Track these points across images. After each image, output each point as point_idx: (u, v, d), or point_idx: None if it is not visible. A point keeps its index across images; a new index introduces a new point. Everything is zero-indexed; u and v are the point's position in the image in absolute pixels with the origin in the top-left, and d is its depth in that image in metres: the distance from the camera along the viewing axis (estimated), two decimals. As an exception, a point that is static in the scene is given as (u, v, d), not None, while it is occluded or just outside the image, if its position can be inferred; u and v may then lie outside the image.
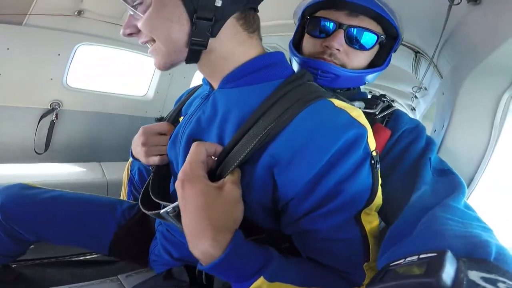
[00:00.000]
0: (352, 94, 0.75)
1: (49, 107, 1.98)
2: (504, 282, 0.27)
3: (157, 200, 0.58)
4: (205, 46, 0.50)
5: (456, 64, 1.04)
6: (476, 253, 0.33)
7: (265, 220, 0.52)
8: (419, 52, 1.47)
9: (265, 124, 0.45)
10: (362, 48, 0.68)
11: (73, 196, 0.83)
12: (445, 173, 0.51)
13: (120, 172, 1.17)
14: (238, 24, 0.53)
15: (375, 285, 0.33)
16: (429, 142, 0.61)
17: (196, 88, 0.74)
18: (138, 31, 0.52)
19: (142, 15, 0.49)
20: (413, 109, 2.78)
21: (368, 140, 0.46)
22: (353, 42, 0.68)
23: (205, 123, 0.55)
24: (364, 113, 0.54)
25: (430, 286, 0.27)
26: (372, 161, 0.46)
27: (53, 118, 1.97)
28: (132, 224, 0.80)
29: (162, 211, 0.49)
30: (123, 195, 1.04)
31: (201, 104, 0.59)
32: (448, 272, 0.28)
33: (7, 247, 0.78)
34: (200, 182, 0.43)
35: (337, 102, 0.48)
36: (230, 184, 0.44)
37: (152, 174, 0.67)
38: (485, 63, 0.77)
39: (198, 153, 0.46)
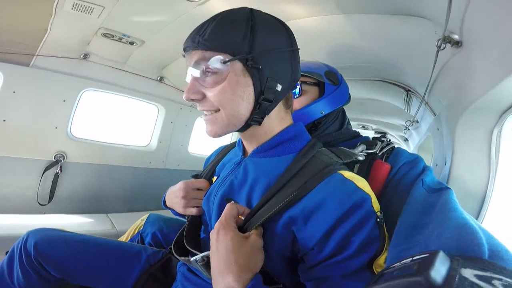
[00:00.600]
0: (354, 139, 0.88)
1: (53, 159, 1.95)
2: (500, 280, 0.27)
3: (189, 248, 0.67)
4: (260, 123, 0.60)
5: (449, 103, 1.15)
6: (471, 251, 0.34)
7: (283, 270, 0.59)
8: (410, 91, 1.58)
9: (286, 195, 0.54)
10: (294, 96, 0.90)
11: (102, 241, 0.91)
12: (440, 190, 0.54)
13: (129, 223, 1.22)
14: (282, 103, 0.64)
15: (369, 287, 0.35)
16: (425, 168, 0.66)
17: (226, 150, 0.83)
18: (202, 98, 0.58)
19: (213, 85, 0.56)
20: (406, 140, 2.90)
21: (373, 204, 0.53)
22: None
23: (237, 186, 0.64)
24: (367, 153, 0.71)
25: (419, 285, 0.27)
26: (378, 219, 0.52)
27: (57, 171, 1.94)
28: (155, 270, 0.87)
29: (192, 258, 0.60)
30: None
31: (234, 169, 0.68)
32: (438, 270, 0.28)
33: (32, 282, 0.83)
34: (232, 230, 0.53)
35: (347, 174, 0.56)
36: (254, 235, 0.54)
37: (187, 222, 0.77)
38: (476, 104, 0.84)
39: (231, 210, 0.56)
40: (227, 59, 0.54)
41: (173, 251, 0.72)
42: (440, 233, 0.40)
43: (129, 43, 1.80)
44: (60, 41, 1.71)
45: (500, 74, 0.69)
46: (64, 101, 1.92)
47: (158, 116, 2.39)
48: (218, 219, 0.59)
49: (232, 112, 0.57)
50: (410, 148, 2.86)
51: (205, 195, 0.73)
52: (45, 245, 0.82)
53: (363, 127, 3.26)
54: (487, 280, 0.27)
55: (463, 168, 0.94)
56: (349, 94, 0.99)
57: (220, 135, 0.61)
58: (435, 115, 1.42)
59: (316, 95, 0.92)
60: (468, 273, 0.28)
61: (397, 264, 0.35)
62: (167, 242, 1.00)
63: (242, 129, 0.61)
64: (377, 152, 0.73)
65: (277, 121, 0.63)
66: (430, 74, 1.13)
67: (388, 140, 0.79)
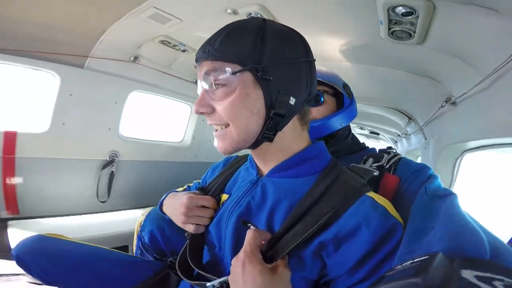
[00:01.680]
0: (361, 151, 0.89)
1: (108, 159, 2.07)
2: (501, 280, 0.27)
3: (196, 269, 0.63)
4: (272, 139, 0.56)
5: (438, 138, 1.74)
6: (472, 252, 0.34)
7: None
8: (411, 118, 2.01)
9: (315, 220, 0.50)
10: (316, 104, 0.88)
11: (97, 250, 0.83)
12: (445, 196, 0.53)
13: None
14: (297, 118, 0.59)
15: None
16: (431, 176, 0.65)
17: (236, 163, 0.78)
18: (212, 112, 0.55)
19: (222, 97, 0.53)
20: (396, 142, 3.41)
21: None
22: None
23: (255, 208, 0.60)
24: (375, 167, 0.70)
25: (417, 286, 0.28)
26: None
27: (113, 169, 2.08)
28: (152, 283, 0.80)
29: (209, 284, 0.56)
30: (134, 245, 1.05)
31: (250, 189, 0.63)
32: (437, 271, 0.28)
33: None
34: (259, 263, 0.48)
35: (376, 197, 0.53)
36: (283, 267, 0.49)
37: (188, 241, 0.71)
38: (452, 145, 1.36)
39: (255, 239, 0.50)
40: (236, 70, 0.52)
41: (179, 273, 0.67)
42: (442, 235, 0.40)
43: (182, 50, 1.91)
44: (115, 44, 1.77)
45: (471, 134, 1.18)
46: (116, 103, 2.02)
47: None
48: (233, 242, 0.58)
49: (241, 127, 0.54)
50: (398, 149, 3.45)
51: (214, 216, 0.69)
52: (30, 260, 0.74)
53: (361, 128, 3.69)
54: (488, 281, 0.27)
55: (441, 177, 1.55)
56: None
57: (231, 152, 0.58)
58: (425, 139, 1.98)
59: (334, 106, 0.92)
60: (468, 274, 0.28)
61: (398, 266, 0.35)
62: (167, 246, 0.91)
63: (253, 146, 0.58)
64: (384, 164, 0.73)
65: (292, 137, 0.59)
66: (430, 117, 1.67)
67: (394, 151, 0.80)
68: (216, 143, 0.59)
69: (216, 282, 0.55)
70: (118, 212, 2.16)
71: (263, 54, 0.52)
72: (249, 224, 0.58)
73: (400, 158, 0.76)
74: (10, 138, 1.69)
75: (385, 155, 0.75)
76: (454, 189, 1.54)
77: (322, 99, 0.89)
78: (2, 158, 1.69)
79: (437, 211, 0.47)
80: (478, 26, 0.93)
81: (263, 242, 0.53)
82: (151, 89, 2.19)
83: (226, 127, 0.55)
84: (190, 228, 0.70)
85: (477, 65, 1.09)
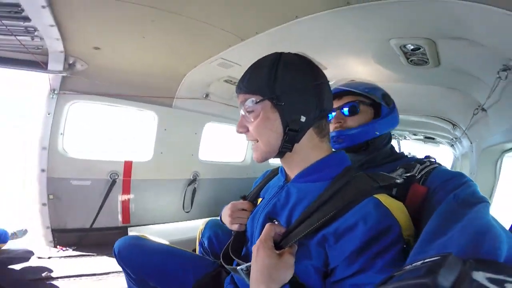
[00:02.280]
0: (398, 160, 0.92)
1: (191, 178, 2.64)
2: None
3: (235, 258, 0.77)
4: (291, 149, 0.68)
5: (479, 142, 1.95)
6: (487, 254, 0.34)
7: (317, 282, 0.61)
8: (455, 125, 2.19)
9: (321, 216, 0.59)
10: (352, 114, 0.95)
11: (170, 249, 1.07)
12: (476, 203, 0.53)
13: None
14: (314, 131, 0.69)
15: None
16: (465, 183, 0.66)
17: (270, 175, 0.93)
18: (247, 131, 0.71)
19: (252, 120, 0.68)
20: (452, 145, 3.49)
21: (403, 231, 0.55)
22: (345, 113, 0.96)
23: (279, 207, 0.71)
24: (406, 177, 0.74)
25: (425, 286, 0.28)
26: (405, 246, 0.54)
27: (195, 186, 2.65)
28: (208, 279, 0.96)
29: (238, 267, 0.68)
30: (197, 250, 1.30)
31: (277, 192, 0.75)
32: (447, 273, 0.28)
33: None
34: (269, 249, 0.59)
35: (383, 198, 0.58)
36: (288, 254, 0.59)
37: (232, 237, 0.86)
38: (495, 148, 1.60)
39: (270, 231, 0.62)
40: (257, 100, 0.66)
41: (221, 260, 0.82)
42: (458, 237, 0.40)
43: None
44: (192, 85, 2.33)
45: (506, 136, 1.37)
46: (196, 133, 2.61)
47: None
48: (261, 231, 0.66)
49: (266, 142, 0.68)
50: (456, 152, 3.53)
51: (250, 215, 0.83)
52: (125, 252, 1.02)
53: (414, 134, 3.70)
54: (500, 283, 0.27)
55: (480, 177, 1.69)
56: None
57: (261, 160, 0.72)
58: (471, 143, 2.24)
59: (371, 115, 0.96)
60: (480, 276, 0.28)
61: (408, 266, 0.35)
62: (221, 247, 1.04)
63: (278, 156, 0.71)
64: (416, 174, 0.75)
65: (309, 148, 0.69)
66: (469, 123, 1.92)
67: (432, 161, 0.81)
68: (253, 153, 0.74)
69: (243, 266, 0.68)
70: (198, 220, 2.65)
71: (275, 85, 0.65)
72: (274, 220, 0.70)
73: (435, 168, 0.78)
74: (128, 165, 2.31)
75: (418, 165, 0.79)
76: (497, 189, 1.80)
77: (358, 109, 0.95)
78: (122, 180, 2.32)
79: (462, 216, 0.48)
80: (471, 54, 1.18)
81: (278, 234, 0.63)
82: (220, 120, 2.74)
83: (257, 142, 0.70)
84: (235, 227, 0.85)
85: (486, 80, 1.32)
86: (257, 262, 0.59)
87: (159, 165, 2.45)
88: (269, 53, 0.72)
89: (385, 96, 0.98)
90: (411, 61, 1.43)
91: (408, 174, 0.75)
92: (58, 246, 2.07)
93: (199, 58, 1.90)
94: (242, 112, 0.70)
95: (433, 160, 0.83)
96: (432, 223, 0.51)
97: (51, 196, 2.02)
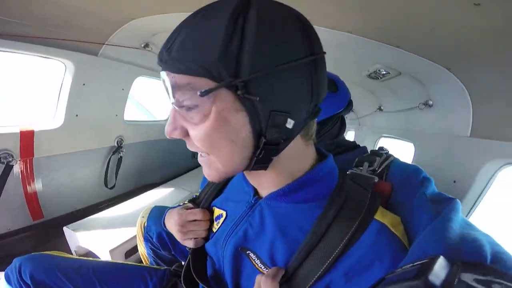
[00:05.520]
0: (353, 150, 0.85)
1: (115, 145, 2.05)
2: (500, 284, 0.27)
3: (201, 283, 0.59)
4: (266, 168, 0.45)
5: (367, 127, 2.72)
6: (472, 256, 0.33)
7: None
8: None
9: (327, 254, 0.43)
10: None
11: (101, 265, 0.82)
12: (444, 201, 0.48)
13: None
14: (299, 136, 0.46)
15: None
16: (424, 179, 0.58)
17: (229, 179, 0.68)
18: (186, 135, 0.42)
19: (195, 121, 0.39)
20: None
21: None
22: None
23: (253, 236, 0.52)
24: (370, 171, 0.62)
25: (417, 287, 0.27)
26: None
27: (121, 154, 2.10)
28: None
29: None
30: (141, 246, 1.01)
31: (246, 214, 0.54)
32: (437, 274, 0.29)
33: None
34: None
35: (386, 220, 0.45)
36: None
37: (190, 255, 0.66)
38: None
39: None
40: (204, 89, 0.35)
41: (183, 283, 0.65)
42: (440, 239, 0.38)
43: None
44: (133, 32, 1.66)
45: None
46: (123, 89, 1.96)
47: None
48: (232, 272, 0.54)
49: (224, 160, 0.42)
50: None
51: (210, 235, 0.64)
52: (41, 275, 0.75)
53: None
54: (487, 284, 0.27)
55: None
56: (350, 102, 0.92)
57: (219, 180, 0.47)
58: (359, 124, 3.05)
59: None
60: (468, 278, 0.28)
61: (398, 270, 0.34)
62: (174, 246, 0.87)
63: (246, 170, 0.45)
64: (377, 168, 0.68)
65: (291, 158, 0.47)
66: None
67: (386, 153, 0.75)
68: (203, 168, 0.47)
69: None
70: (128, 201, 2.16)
71: (242, 61, 0.35)
72: (248, 252, 0.52)
73: (391, 162, 0.71)
74: (28, 137, 1.51)
75: (378, 159, 0.70)
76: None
77: None
78: (21, 162, 1.51)
79: (436, 216, 0.43)
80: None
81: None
82: (153, 74, 2.13)
83: (208, 154, 0.43)
84: (189, 244, 0.65)
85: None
86: None
87: (74, 132, 1.73)
88: None
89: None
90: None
91: (371, 169, 0.67)
92: None
93: (161, 9, 1.38)
94: (173, 104, 0.40)
95: (387, 151, 0.78)
96: (411, 226, 0.47)
97: None
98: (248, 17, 0.35)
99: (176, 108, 0.39)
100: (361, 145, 0.84)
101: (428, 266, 0.30)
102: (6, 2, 1.11)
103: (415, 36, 0.93)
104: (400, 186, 0.60)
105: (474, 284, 0.27)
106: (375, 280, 0.40)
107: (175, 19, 1.34)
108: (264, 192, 0.53)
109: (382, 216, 0.46)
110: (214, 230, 0.63)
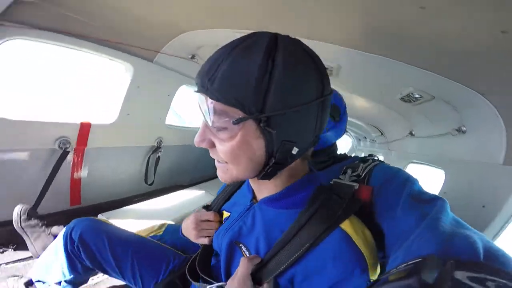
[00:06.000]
0: (343, 161, 0.89)
1: (155, 145, 2.23)
2: (493, 281, 0.27)
3: (203, 275, 0.70)
4: (270, 179, 0.56)
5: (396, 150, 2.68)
6: (465, 254, 0.34)
7: None
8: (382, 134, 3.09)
9: (292, 251, 0.52)
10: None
11: (139, 239, 0.94)
12: (431, 200, 0.51)
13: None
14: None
15: None
16: (407, 180, 0.61)
17: (237, 187, 0.80)
18: (212, 147, 0.52)
19: (223, 140, 0.49)
20: (359, 140, 4.44)
21: (368, 264, 0.50)
22: None
23: (245, 232, 0.63)
24: (354, 176, 0.70)
25: (411, 287, 0.29)
26: (368, 282, 0.49)
27: (160, 154, 2.28)
28: (177, 276, 0.87)
29: (208, 286, 0.65)
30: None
31: (243, 214, 0.66)
32: (430, 272, 0.29)
33: (77, 270, 0.92)
34: None
35: (349, 229, 0.51)
36: None
37: (200, 250, 0.79)
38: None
39: (248, 268, 0.55)
40: (237, 118, 0.46)
41: (187, 275, 0.74)
42: (432, 238, 0.39)
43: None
44: (182, 43, 1.85)
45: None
46: (168, 95, 2.15)
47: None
48: (226, 258, 0.65)
49: (240, 170, 0.52)
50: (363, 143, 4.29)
51: (216, 232, 0.75)
52: (89, 235, 0.87)
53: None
54: (481, 281, 0.27)
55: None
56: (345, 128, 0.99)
57: (230, 183, 0.63)
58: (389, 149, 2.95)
59: None
60: (461, 275, 0.28)
61: (392, 270, 0.36)
62: (183, 248, 0.99)
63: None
64: (360, 174, 0.72)
65: (288, 173, 0.58)
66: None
67: (374, 159, 0.79)
68: (217, 171, 0.57)
69: (214, 286, 0.64)
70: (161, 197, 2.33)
71: (268, 100, 0.45)
72: (240, 244, 0.63)
73: (376, 165, 0.74)
74: (85, 129, 1.71)
75: (361, 165, 0.74)
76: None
77: None
78: (75, 150, 1.72)
79: (425, 216, 0.46)
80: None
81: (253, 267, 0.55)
82: (194, 84, 2.37)
83: (226, 163, 0.53)
84: (203, 240, 0.78)
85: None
86: None
87: (124, 129, 1.91)
88: (258, 31, 0.49)
89: (334, 107, 0.93)
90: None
91: (355, 174, 0.72)
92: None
93: (208, 24, 1.53)
94: (206, 120, 0.49)
95: (375, 158, 0.81)
96: (398, 226, 0.50)
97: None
98: (276, 62, 0.45)
99: (209, 124, 0.49)
100: None
101: (422, 265, 0.31)
102: (82, 4, 1.31)
103: (448, 60, 0.96)
104: (381, 188, 0.63)
105: (468, 282, 0.28)
106: (327, 282, 0.49)
107: (219, 34, 1.56)
108: (260, 196, 0.64)
109: (348, 225, 0.53)
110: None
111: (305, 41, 0.52)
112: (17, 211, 1.31)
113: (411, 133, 2.32)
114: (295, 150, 0.50)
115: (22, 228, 1.30)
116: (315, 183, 0.61)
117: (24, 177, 1.52)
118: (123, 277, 0.89)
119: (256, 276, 0.55)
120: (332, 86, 0.55)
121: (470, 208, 1.18)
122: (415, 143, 2.20)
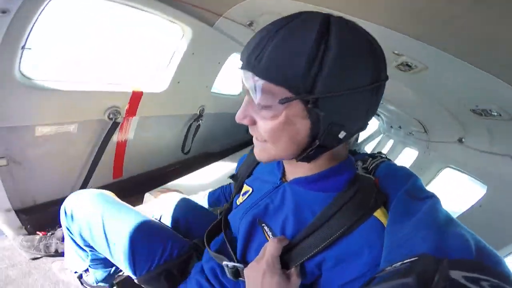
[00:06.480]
0: (353, 155, 0.82)
1: (197, 113, 2.10)
2: (487, 281, 0.28)
3: (206, 245, 0.71)
4: (310, 161, 0.53)
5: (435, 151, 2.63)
6: (459, 253, 0.34)
7: None
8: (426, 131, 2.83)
9: (325, 236, 0.50)
10: None
11: (136, 217, 0.84)
12: (426, 198, 0.51)
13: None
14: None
15: None
16: (409, 178, 0.60)
17: (258, 161, 0.71)
18: (253, 123, 0.50)
19: (266, 118, 0.47)
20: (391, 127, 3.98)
21: None
22: None
23: (272, 211, 0.60)
24: (363, 169, 0.72)
25: (408, 286, 0.29)
26: None
27: (200, 122, 2.16)
28: (174, 265, 0.80)
29: (224, 262, 0.63)
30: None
31: (271, 192, 0.62)
32: (426, 272, 0.29)
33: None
34: (278, 275, 0.51)
35: (382, 217, 0.50)
36: (295, 276, 0.53)
37: (216, 221, 0.77)
38: None
39: (277, 250, 0.52)
40: (284, 97, 0.43)
41: (206, 245, 0.72)
42: (424, 236, 0.39)
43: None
44: (244, 8, 1.62)
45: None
46: (219, 63, 1.99)
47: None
48: (245, 238, 0.62)
49: (280, 150, 0.49)
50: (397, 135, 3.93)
51: (233, 210, 0.72)
52: (82, 211, 0.82)
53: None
54: (476, 281, 0.28)
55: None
56: None
57: (266, 162, 0.57)
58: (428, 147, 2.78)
59: None
60: (457, 275, 0.29)
61: (388, 268, 0.35)
62: (187, 232, 0.94)
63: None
64: (368, 167, 0.74)
65: (328, 155, 0.54)
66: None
67: (382, 156, 0.81)
68: (255, 148, 0.55)
69: (231, 264, 0.61)
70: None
71: (318, 82, 0.42)
72: (263, 224, 0.60)
73: (383, 161, 0.75)
74: (136, 98, 1.55)
75: (370, 159, 0.78)
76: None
77: None
78: (123, 120, 1.58)
79: (418, 213, 0.46)
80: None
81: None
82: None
83: (265, 141, 0.50)
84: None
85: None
86: (264, 286, 0.52)
87: (172, 97, 1.76)
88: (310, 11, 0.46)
89: None
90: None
91: (364, 166, 0.75)
92: (38, 232, 1.28)
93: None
94: (252, 97, 0.46)
95: (384, 155, 0.85)
96: (393, 223, 0.49)
97: (2, 161, 1.13)
98: (329, 44, 0.41)
99: (254, 100, 0.46)
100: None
101: (418, 264, 0.32)
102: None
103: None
104: (382, 181, 0.63)
105: (463, 281, 0.28)
106: (361, 268, 0.47)
107: (283, 2, 1.34)
108: (291, 176, 0.60)
109: (381, 214, 0.51)
110: (238, 203, 0.71)
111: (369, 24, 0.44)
112: (19, 245, 1.21)
113: (460, 140, 2.25)
114: (342, 134, 0.47)
115: (35, 252, 1.23)
116: (353, 168, 0.59)
117: (71, 152, 1.39)
118: (113, 259, 0.82)
119: (282, 258, 0.54)
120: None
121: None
122: (460, 150, 2.14)
